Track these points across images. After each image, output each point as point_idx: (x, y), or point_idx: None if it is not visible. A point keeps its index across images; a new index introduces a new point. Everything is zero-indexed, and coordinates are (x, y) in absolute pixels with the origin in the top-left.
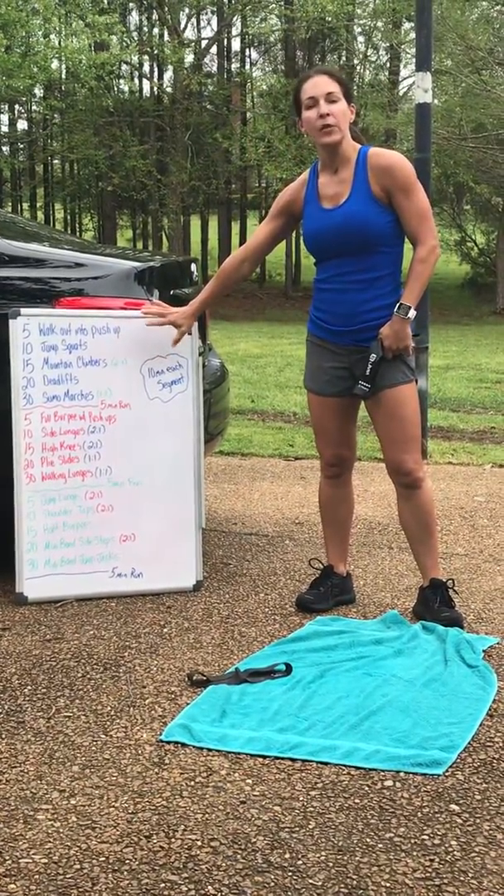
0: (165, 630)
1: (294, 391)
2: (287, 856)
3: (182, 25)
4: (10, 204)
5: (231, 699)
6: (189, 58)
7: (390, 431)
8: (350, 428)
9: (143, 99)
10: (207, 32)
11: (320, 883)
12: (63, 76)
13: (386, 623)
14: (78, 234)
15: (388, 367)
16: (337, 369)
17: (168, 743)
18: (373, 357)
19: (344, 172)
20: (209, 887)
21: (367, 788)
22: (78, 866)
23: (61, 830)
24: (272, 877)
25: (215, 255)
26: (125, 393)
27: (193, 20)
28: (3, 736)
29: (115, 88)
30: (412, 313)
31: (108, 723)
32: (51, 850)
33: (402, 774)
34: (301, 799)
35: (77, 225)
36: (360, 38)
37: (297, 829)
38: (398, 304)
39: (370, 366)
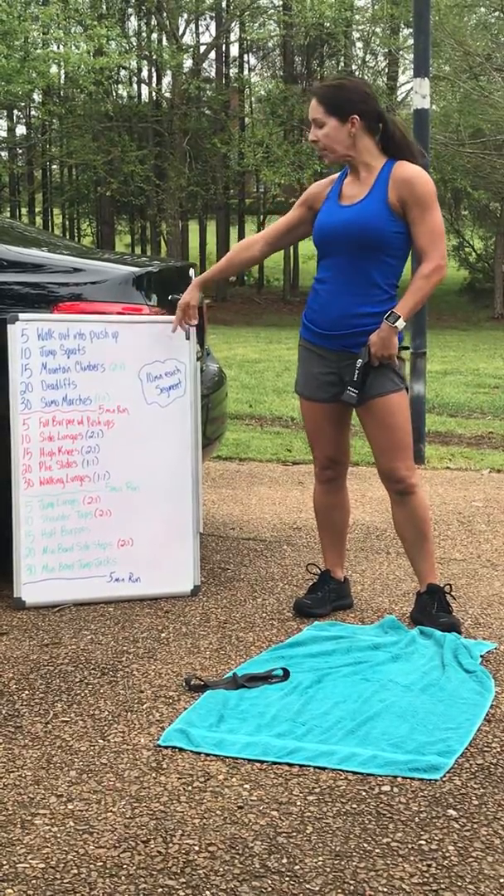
0: (163, 635)
1: (292, 396)
2: (284, 861)
3: (181, 31)
4: (8, 209)
5: (228, 704)
6: (188, 63)
7: (381, 440)
8: (343, 433)
9: (142, 104)
10: (206, 38)
11: (318, 888)
12: (62, 81)
13: (383, 628)
14: (76, 239)
15: (377, 376)
16: (327, 375)
17: (165, 748)
18: (359, 362)
19: (367, 177)
20: (206, 892)
21: (364, 793)
22: (75, 871)
23: (59, 835)
24: (269, 882)
25: (213, 260)
26: (123, 398)
27: (192, 25)
28: (1, 741)
29: (114, 93)
30: (401, 323)
31: (106, 727)
32: (48, 854)
33: (399, 779)
34: (298, 804)
35: (75, 230)
36: (359, 44)
37: (295, 833)
38: (389, 312)
39: (357, 371)
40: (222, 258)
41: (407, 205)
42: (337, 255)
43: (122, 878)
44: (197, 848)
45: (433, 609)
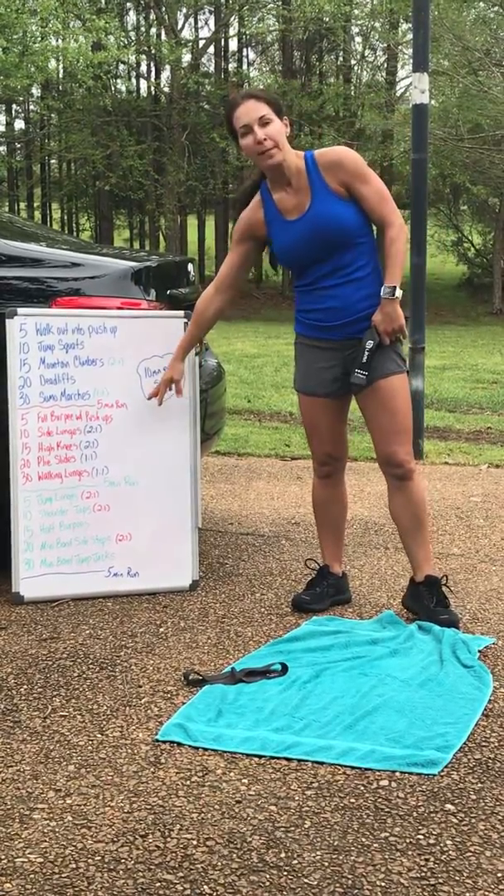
0: (161, 630)
1: (291, 391)
2: (283, 855)
3: (179, 25)
4: (7, 204)
5: (227, 699)
6: (186, 57)
7: (383, 422)
8: (342, 429)
9: (141, 98)
10: (205, 32)
11: (315, 882)
12: (60, 76)
13: (382, 623)
14: (75, 233)
15: (382, 358)
16: (329, 368)
17: (164, 742)
18: (369, 343)
19: (298, 182)
20: (205, 886)
21: (362, 788)
22: (73, 865)
23: (57, 830)
24: (268, 876)
25: (212, 255)
26: (122, 392)
27: (191, 20)
28: (0, 735)
29: (113, 88)
30: (399, 292)
31: (104, 722)
32: (46, 849)
33: (397, 774)
34: (297, 798)
35: (74, 225)
36: (358, 39)
37: (293, 828)
38: (382, 287)
39: (366, 352)
40: (190, 324)
41: (348, 183)
42: (314, 264)
43: (121, 872)
44: (195, 842)
45: (431, 603)
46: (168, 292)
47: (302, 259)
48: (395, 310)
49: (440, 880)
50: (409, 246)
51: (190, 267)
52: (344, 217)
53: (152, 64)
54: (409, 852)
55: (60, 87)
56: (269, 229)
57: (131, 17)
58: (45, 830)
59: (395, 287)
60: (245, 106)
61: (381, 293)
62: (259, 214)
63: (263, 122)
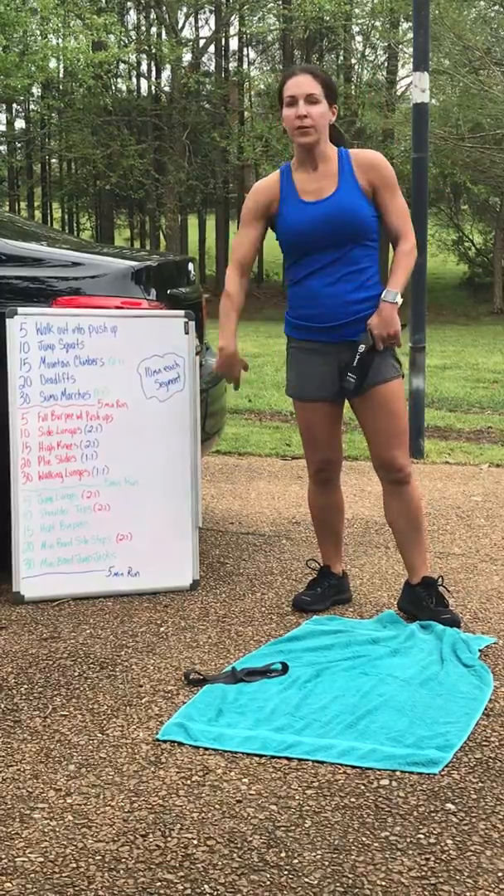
0: (162, 629)
1: None
2: (283, 854)
3: (180, 24)
4: (7, 203)
5: (227, 698)
6: (187, 57)
7: (381, 427)
8: (338, 433)
9: (141, 98)
10: (205, 31)
11: (316, 882)
12: (61, 75)
13: (382, 622)
14: (75, 233)
15: (379, 363)
16: (324, 373)
17: (164, 742)
18: (361, 347)
19: (327, 168)
20: (205, 886)
21: (362, 787)
22: (74, 865)
23: (57, 829)
24: (268, 875)
25: (213, 254)
26: (122, 392)
27: (191, 19)
28: (0, 735)
29: (113, 87)
30: (399, 298)
31: (105, 722)
32: (47, 848)
33: (398, 773)
34: (297, 798)
35: (75, 224)
36: (358, 38)
37: (293, 827)
38: (384, 291)
39: (358, 356)
40: (229, 310)
41: (377, 188)
42: (319, 251)
43: (121, 871)
44: (196, 842)
45: (431, 603)
46: (168, 292)
47: (309, 242)
48: (393, 315)
49: (441, 880)
50: None
51: (190, 266)
52: (364, 212)
53: (153, 63)
54: (410, 852)
55: (61, 87)
56: (281, 205)
57: (132, 17)
58: (46, 830)
59: (396, 292)
60: (299, 78)
61: (382, 296)
62: (276, 188)
63: (311, 101)
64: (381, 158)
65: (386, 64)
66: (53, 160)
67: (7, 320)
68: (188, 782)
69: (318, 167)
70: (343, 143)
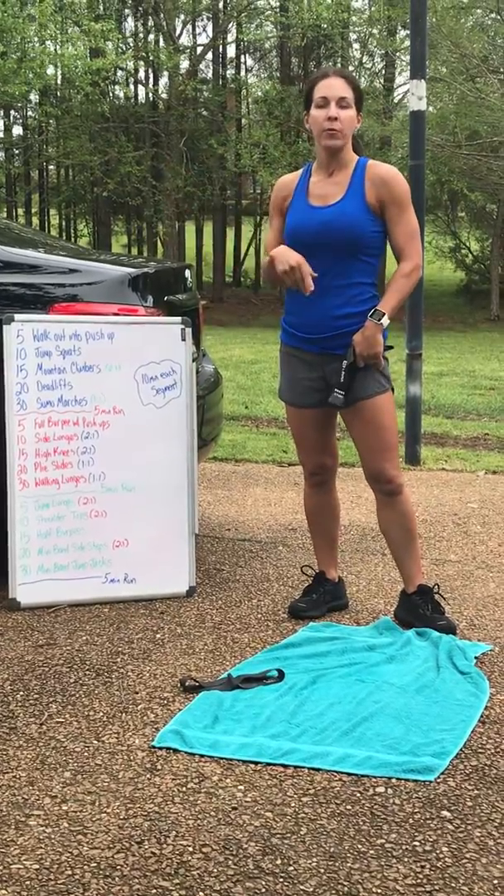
0: (158, 636)
1: None
2: (278, 862)
3: (177, 32)
4: (5, 209)
5: (223, 705)
6: (184, 64)
7: (369, 441)
8: (330, 437)
9: (139, 105)
10: (203, 39)
11: (311, 889)
12: (59, 82)
13: (378, 629)
14: (73, 239)
15: (364, 378)
16: (312, 380)
17: (160, 749)
18: (344, 363)
19: (339, 176)
20: (200, 893)
21: (358, 795)
22: (69, 872)
23: (53, 836)
24: (263, 883)
25: (210, 262)
26: (119, 399)
27: (189, 26)
28: None
29: (111, 94)
30: (385, 320)
31: (101, 728)
32: (42, 855)
33: (393, 781)
34: (293, 805)
35: (72, 231)
36: (356, 46)
37: (289, 835)
38: (373, 310)
39: (343, 372)
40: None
41: (385, 204)
42: (313, 258)
43: (116, 879)
44: (191, 849)
45: (427, 611)
46: (166, 299)
47: (305, 246)
48: (375, 336)
49: (436, 887)
50: None
51: (187, 273)
52: (363, 226)
53: (150, 70)
54: (405, 859)
55: (59, 94)
56: (291, 202)
57: (129, 24)
58: (41, 837)
59: (384, 313)
60: (332, 80)
61: (369, 314)
62: (293, 185)
63: (342, 104)
64: (394, 174)
65: (383, 71)
66: (51, 167)
67: (4, 327)
68: (184, 789)
69: (333, 173)
70: (361, 154)
